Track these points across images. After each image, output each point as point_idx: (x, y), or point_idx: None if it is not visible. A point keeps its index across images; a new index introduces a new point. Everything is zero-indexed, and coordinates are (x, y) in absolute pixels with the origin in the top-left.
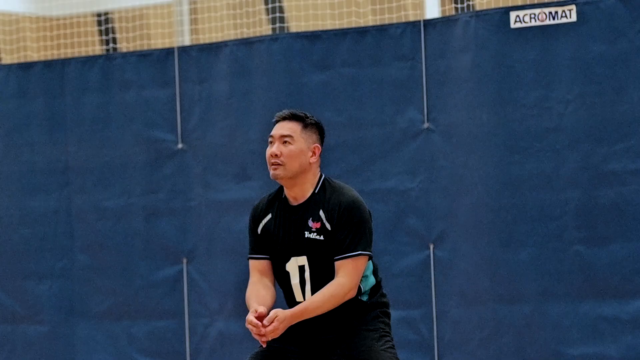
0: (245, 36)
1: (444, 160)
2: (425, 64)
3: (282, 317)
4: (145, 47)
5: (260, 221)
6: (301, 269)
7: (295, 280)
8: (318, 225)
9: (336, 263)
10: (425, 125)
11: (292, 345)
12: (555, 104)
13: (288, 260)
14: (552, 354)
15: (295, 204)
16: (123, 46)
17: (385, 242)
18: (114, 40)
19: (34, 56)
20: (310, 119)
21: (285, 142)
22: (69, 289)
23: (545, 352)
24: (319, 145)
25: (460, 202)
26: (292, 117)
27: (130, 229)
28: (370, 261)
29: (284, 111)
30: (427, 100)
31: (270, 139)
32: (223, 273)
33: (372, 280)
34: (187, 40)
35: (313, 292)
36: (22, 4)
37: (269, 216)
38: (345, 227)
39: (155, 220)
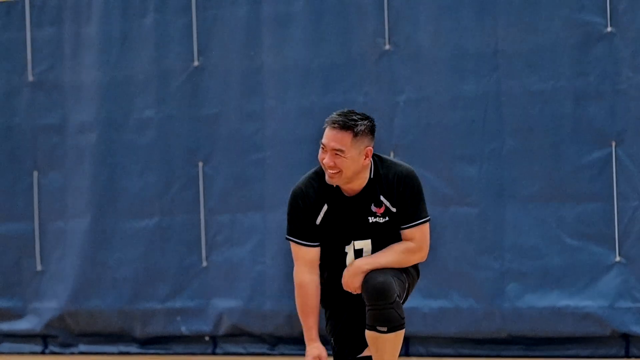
0: None
1: None
2: None
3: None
4: None
5: (318, 213)
6: (359, 250)
7: (351, 256)
8: (382, 210)
9: (404, 232)
10: None
11: None
12: None
13: (348, 244)
14: None
15: (352, 194)
16: None
17: None
18: None
19: None
20: (360, 126)
21: (336, 154)
22: (498, 172)
23: None
24: (371, 147)
25: None
26: (343, 127)
27: (559, 112)
28: None
29: (334, 117)
30: None
31: (322, 146)
32: None
33: None
34: None
35: None
36: None
37: (326, 207)
38: (408, 199)
39: (584, 104)
